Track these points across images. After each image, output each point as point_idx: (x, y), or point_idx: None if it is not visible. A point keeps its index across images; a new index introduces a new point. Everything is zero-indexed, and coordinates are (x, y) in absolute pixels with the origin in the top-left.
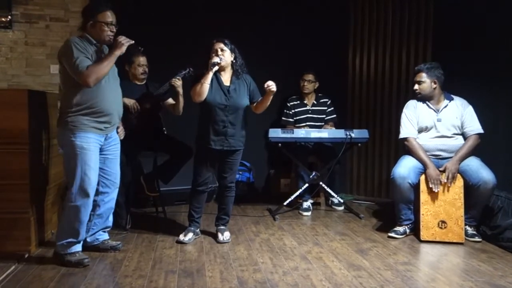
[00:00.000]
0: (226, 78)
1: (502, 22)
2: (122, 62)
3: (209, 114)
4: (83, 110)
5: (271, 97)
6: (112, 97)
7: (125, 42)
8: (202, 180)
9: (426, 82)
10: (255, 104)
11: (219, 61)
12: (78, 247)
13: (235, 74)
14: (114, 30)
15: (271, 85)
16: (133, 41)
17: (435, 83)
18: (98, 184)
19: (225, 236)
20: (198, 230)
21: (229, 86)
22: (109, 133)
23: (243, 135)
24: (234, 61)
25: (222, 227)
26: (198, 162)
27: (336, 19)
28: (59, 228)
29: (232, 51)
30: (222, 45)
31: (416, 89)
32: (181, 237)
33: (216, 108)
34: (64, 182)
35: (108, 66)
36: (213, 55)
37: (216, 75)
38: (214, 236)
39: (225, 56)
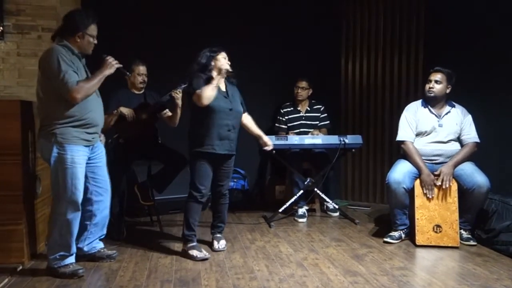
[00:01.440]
0: (221, 84)
1: (495, 26)
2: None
3: (214, 118)
4: (73, 122)
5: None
6: (99, 108)
7: (115, 63)
8: (205, 190)
9: (443, 84)
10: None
11: (230, 70)
12: (71, 259)
13: (227, 79)
14: (96, 42)
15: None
16: (121, 65)
17: (448, 89)
18: (91, 194)
19: (221, 244)
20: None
21: (226, 92)
22: (95, 143)
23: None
24: None
25: (218, 235)
26: (199, 170)
27: (329, 25)
28: (51, 242)
29: None
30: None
31: (432, 88)
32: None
33: (221, 112)
34: (54, 194)
35: (97, 85)
36: (226, 62)
37: None
38: (210, 244)
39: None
